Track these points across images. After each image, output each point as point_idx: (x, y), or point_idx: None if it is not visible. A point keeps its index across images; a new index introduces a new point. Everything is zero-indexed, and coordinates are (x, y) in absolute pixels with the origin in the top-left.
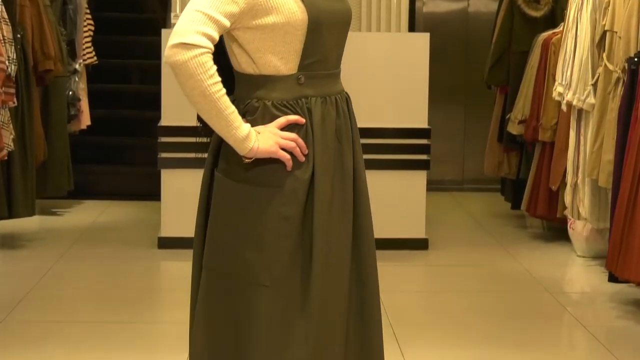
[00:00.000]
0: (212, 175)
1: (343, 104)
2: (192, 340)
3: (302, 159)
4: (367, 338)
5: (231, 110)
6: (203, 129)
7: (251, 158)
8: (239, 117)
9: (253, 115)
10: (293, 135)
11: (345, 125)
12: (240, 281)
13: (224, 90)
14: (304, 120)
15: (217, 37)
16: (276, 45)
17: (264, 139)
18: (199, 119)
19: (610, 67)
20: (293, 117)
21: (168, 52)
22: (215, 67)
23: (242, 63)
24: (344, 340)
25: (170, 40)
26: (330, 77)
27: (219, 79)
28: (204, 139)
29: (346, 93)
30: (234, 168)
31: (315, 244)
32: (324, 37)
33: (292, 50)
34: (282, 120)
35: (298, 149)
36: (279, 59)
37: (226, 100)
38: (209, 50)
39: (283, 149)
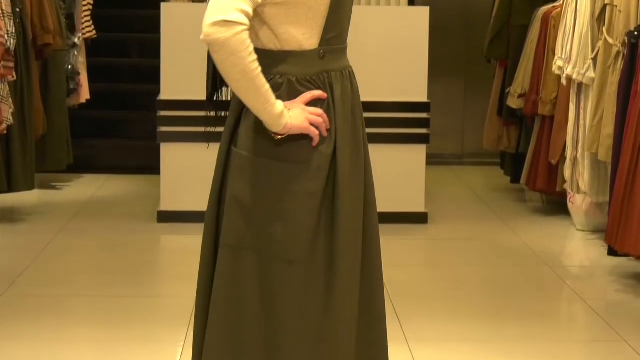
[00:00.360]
0: (229, 153)
1: (353, 79)
2: (211, 318)
3: (326, 134)
4: (372, 310)
5: (267, 87)
6: (214, 103)
7: (283, 135)
8: (273, 94)
9: (277, 91)
10: (319, 110)
11: (356, 99)
12: (265, 257)
13: (260, 68)
14: (326, 95)
15: (252, 14)
16: (300, 21)
17: (295, 115)
18: (211, 96)
19: (610, 40)
20: (317, 92)
21: (208, 30)
22: (252, 45)
23: (263, 39)
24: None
25: (208, 17)
26: (343, 52)
27: (256, 56)
28: (215, 113)
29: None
30: (259, 145)
31: (339, 219)
32: (342, 12)
33: (315, 25)
34: (308, 95)
35: (324, 124)
36: (301, 34)
37: (263, 77)
38: (247, 27)
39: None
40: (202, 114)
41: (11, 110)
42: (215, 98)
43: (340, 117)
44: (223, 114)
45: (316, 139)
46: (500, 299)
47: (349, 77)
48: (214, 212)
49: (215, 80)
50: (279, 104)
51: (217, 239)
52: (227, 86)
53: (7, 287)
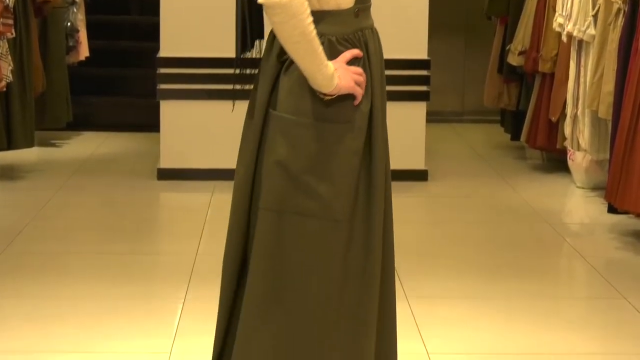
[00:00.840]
0: (266, 115)
1: (378, 36)
2: (251, 283)
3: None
4: (386, 270)
5: (322, 48)
6: (242, 61)
7: (333, 95)
8: (325, 55)
9: None
10: (360, 69)
11: (382, 56)
12: (313, 218)
13: (315, 29)
14: (362, 54)
15: None
16: None
17: (343, 75)
18: (239, 55)
19: None
20: (356, 51)
21: None
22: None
23: None
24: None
25: None
26: (370, 9)
27: (312, 18)
28: (246, 70)
29: None
30: (302, 107)
31: (375, 177)
32: None
33: None
34: (348, 55)
35: (364, 83)
36: None
37: (318, 39)
38: None
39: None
40: (201, 71)
41: (10, 68)
42: (244, 56)
43: (375, 74)
44: (249, 71)
45: (359, 98)
46: (500, 256)
47: (377, 34)
48: (249, 175)
49: (245, 38)
50: (331, 65)
51: (252, 203)
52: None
53: (7, 245)
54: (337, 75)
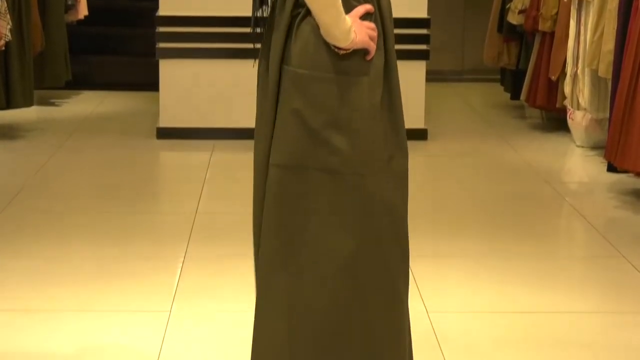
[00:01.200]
0: (281, 71)
1: None
2: (263, 239)
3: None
4: None
5: (340, 1)
6: (257, 20)
7: (348, 50)
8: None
9: None
10: (373, 24)
11: (392, 12)
12: (333, 174)
13: None
14: (374, 9)
15: None
16: None
17: (358, 30)
18: (255, 14)
19: None
20: (368, 6)
21: None
22: None
23: None
24: None
25: None
26: None
27: None
28: (259, 29)
29: None
30: (317, 61)
31: (399, 130)
32: None
33: None
34: (362, 9)
35: (377, 38)
36: None
37: None
38: None
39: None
40: (200, 29)
41: (9, 27)
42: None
43: (387, 30)
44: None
45: (372, 53)
46: (499, 215)
47: None
48: (269, 131)
49: None
50: (348, 19)
51: None
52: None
53: (7, 204)
54: (353, 29)
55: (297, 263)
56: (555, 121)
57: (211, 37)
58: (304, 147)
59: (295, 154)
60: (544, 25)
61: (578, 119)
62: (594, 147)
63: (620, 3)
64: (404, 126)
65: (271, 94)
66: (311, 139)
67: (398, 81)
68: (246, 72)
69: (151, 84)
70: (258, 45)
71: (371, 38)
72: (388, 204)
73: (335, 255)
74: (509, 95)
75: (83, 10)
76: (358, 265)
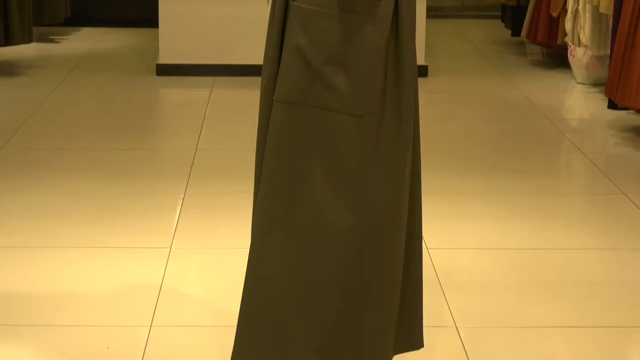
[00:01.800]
0: (287, 7)
1: None
2: (261, 190)
3: None
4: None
5: None
6: None
7: None
8: None
9: None
10: None
11: None
12: (332, 112)
13: None
14: None
15: None
16: None
17: None
18: None
19: None
20: None
21: None
22: None
23: None
24: None
25: None
26: None
27: None
28: None
29: None
30: None
31: (404, 75)
32: None
33: None
34: None
35: None
36: None
37: None
38: None
39: None
40: None
41: None
42: None
43: None
44: None
45: None
46: (500, 152)
47: None
48: (274, 68)
49: None
50: None
51: None
52: None
53: (6, 141)
54: None
55: (295, 222)
56: (556, 58)
57: None
58: (304, 84)
59: (295, 90)
60: None
61: (579, 56)
62: (595, 84)
63: None
64: (410, 75)
65: (276, 31)
66: (311, 76)
67: (411, 29)
68: (246, 8)
69: (151, 20)
70: None
71: None
72: (395, 147)
73: (334, 209)
74: (509, 31)
75: None
76: (357, 218)
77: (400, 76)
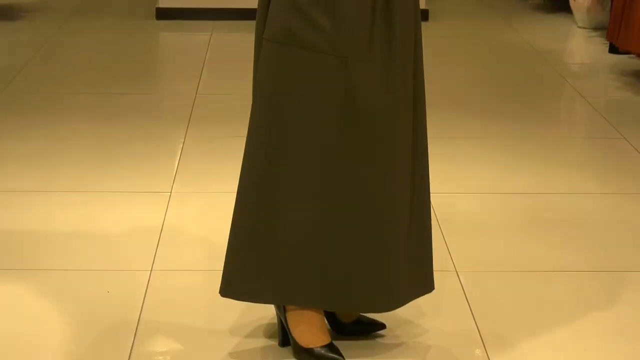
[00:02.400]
0: None
1: None
2: (251, 116)
3: None
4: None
5: None
6: None
7: None
8: None
9: None
10: None
11: None
12: (317, 53)
13: None
14: None
15: None
16: None
17: None
18: None
19: None
20: None
21: None
22: None
23: None
24: None
25: None
26: None
27: None
28: None
29: None
30: None
31: (396, 10)
32: None
33: None
34: None
35: None
36: None
37: None
38: None
39: None
40: None
41: None
42: None
43: None
44: None
45: None
46: (501, 96)
47: None
48: (265, 7)
49: None
50: None
51: None
52: None
53: (6, 85)
54: None
55: (285, 145)
56: (557, 2)
57: None
58: (290, 24)
59: (281, 30)
60: None
61: (580, 0)
62: (596, 28)
63: None
64: (403, 13)
65: None
66: (297, 16)
67: None
68: None
69: None
70: None
71: None
72: (385, 87)
73: (320, 152)
74: None
75: None
76: (342, 160)
77: (391, 15)
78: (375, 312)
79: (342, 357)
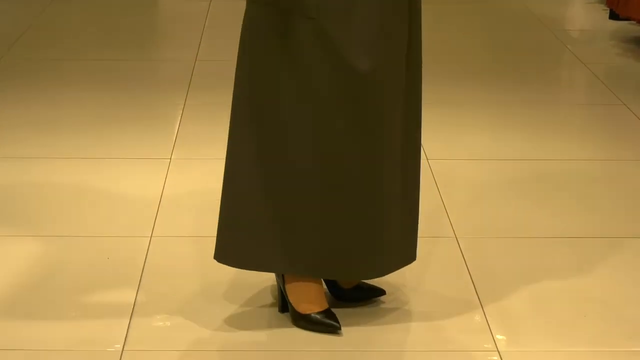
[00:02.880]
0: None
1: None
2: (233, 98)
3: None
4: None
5: None
6: None
7: None
8: None
9: None
10: None
11: None
12: (288, 15)
13: None
14: None
15: None
16: None
17: None
18: None
19: None
20: None
21: None
22: None
23: None
24: None
25: None
26: None
27: None
28: None
29: None
30: None
31: None
32: None
33: None
34: None
35: None
36: None
37: None
38: None
39: None
40: None
41: None
42: None
43: None
44: None
45: None
46: (501, 62)
47: None
48: None
49: None
50: None
51: None
52: None
53: (6, 51)
54: None
55: (257, 105)
56: None
57: None
58: None
59: None
60: None
61: None
62: None
63: None
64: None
65: None
66: None
67: None
68: None
69: None
70: None
71: None
72: (349, 62)
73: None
74: None
75: None
76: (330, 122)
77: None
78: (371, 278)
79: (338, 323)
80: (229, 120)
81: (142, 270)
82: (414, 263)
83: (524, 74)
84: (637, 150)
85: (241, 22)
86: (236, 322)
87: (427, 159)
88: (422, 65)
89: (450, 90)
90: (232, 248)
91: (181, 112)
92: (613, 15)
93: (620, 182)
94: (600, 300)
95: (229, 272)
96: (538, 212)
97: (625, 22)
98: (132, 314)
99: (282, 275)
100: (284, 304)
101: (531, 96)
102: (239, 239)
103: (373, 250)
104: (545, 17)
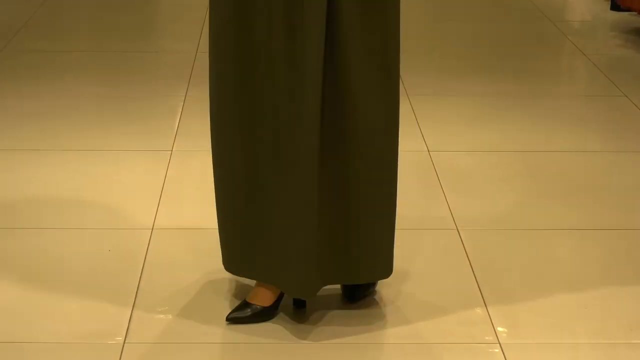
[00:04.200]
0: None
1: None
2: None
3: None
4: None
5: None
6: None
7: None
8: None
9: None
10: None
11: None
12: None
13: None
14: None
15: None
16: None
17: None
18: None
19: None
20: None
21: None
22: None
23: None
24: None
25: None
26: None
27: None
28: None
29: None
30: None
31: None
32: None
33: None
34: None
35: None
36: None
37: None
38: None
39: None
40: None
41: None
42: None
43: None
44: None
45: None
46: (501, 53)
47: None
48: None
49: None
50: None
51: None
52: None
53: (6, 42)
54: None
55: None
56: None
57: None
58: None
59: None
60: None
61: None
62: None
63: None
64: None
65: None
66: None
67: None
68: None
69: None
70: None
71: None
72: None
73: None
74: None
75: None
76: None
77: None
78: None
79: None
80: None
81: (144, 263)
82: (415, 255)
83: (524, 64)
84: (638, 141)
85: None
86: None
87: (429, 151)
88: (423, 55)
89: (451, 81)
90: (235, 258)
91: (182, 103)
92: (614, 6)
93: (621, 173)
94: (601, 292)
95: None
96: (539, 203)
97: (627, 13)
98: (133, 306)
99: None
100: (299, 300)
101: (532, 87)
102: (237, 250)
103: (378, 248)
104: (546, 7)
